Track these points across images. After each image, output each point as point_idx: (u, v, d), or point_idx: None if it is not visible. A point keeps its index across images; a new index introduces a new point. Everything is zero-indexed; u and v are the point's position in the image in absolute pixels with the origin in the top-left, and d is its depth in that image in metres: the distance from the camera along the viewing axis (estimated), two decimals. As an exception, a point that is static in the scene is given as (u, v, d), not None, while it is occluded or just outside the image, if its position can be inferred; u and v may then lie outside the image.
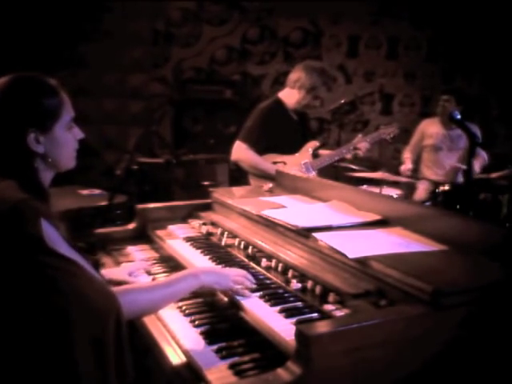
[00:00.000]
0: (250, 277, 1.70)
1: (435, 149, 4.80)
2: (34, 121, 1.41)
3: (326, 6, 6.14)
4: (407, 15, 6.29)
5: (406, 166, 4.73)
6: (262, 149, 3.39)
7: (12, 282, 1.27)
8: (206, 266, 1.85)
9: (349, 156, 3.61)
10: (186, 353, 1.48)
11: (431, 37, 6.35)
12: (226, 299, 1.68)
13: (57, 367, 1.26)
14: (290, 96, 3.50)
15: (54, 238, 1.31)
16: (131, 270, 2.02)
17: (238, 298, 1.62)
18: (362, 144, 3.56)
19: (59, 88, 1.49)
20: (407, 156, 4.89)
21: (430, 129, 4.84)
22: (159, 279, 1.95)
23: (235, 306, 1.61)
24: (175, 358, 1.48)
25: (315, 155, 3.57)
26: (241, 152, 3.40)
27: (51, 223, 1.32)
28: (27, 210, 1.29)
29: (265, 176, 3.23)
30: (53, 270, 1.26)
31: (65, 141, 1.49)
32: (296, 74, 3.48)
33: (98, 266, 1.79)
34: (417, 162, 4.95)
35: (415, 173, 4.85)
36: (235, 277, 1.66)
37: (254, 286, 1.67)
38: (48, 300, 1.26)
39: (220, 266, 1.89)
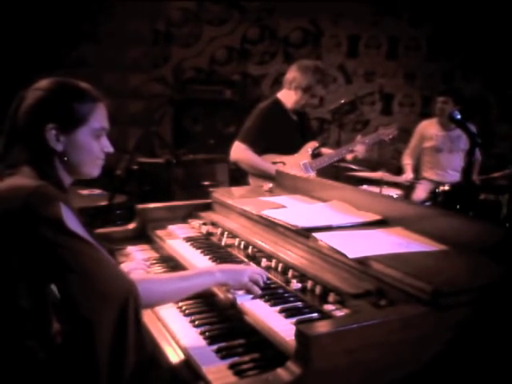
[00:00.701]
0: (265, 276, 1.70)
1: (436, 150, 4.79)
2: (57, 118, 1.47)
3: (325, 6, 6.14)
4: (407, 15, 6.30)
5: (408, 175, 4.71)
6: (261, 149, 3.38)
7: (30, 261, 1.30)
8: (225, 264, 1.81)
9: (349, 157, 3.62)
10: (185, 353, 1.48)
11: (431, 37, 6.35)
12: (225, 299, 1.68)
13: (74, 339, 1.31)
14: (287, 97, 3.50)
15: (73, 221, 1.36)
16: (130, 268, 2.02)
17: (238, 298, 1.62)
18: (358, 147, 3.55)
19: (97, 98, 1.56)
20: (407, 162, 4.87)
21: (429, 131, 4.83)
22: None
23: (235, 306, 1.61)
24: (175, 357, 1.49)
25: (314, 155, 3.57)
26: (240, 152, 3.40)
27: (70, 208, 1.37)
28: (48, 193, 1.34)
29: (264, 176, 3.23)
30: (71, 251, 1.30)
31: (87, 147, 1.53)
32: (291, 75, 3.48)
33: (113, 253, 1.83)
34: (417, 163, 4.94)
35: (416, 173, 4.85)
36: (252, 274, 1.66)
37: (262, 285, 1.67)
38: (62, 279, 1.31)
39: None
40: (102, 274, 1.32)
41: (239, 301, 1.59)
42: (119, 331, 1.31)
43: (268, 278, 1.75)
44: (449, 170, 4.78)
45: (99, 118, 1.55)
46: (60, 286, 1.33)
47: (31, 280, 1.32)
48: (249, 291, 1.63)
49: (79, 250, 1.32)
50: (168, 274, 1.83)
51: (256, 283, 1.65)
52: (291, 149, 3.48)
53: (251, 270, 1.69)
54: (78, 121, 1.50)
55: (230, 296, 1.64)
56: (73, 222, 1.35)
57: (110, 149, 1.60)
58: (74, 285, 1.30)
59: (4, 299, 1.33)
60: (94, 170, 1.59)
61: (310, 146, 3.55)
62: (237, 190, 2.76)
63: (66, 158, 1.50)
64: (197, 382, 1.35)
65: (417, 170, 4.94)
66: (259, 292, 1.62)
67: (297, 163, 3.44)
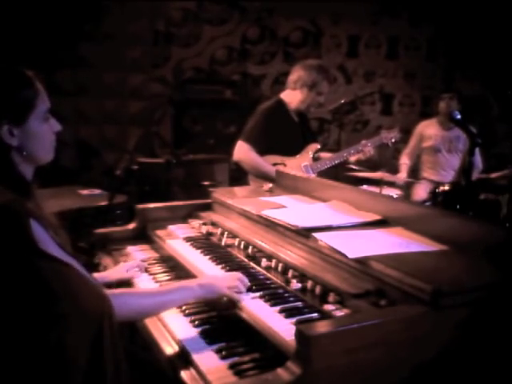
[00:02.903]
0: (246, 280, 1.69)
1: (434, 150, 4.80)
2: (7, 113, 1.36)
3: (326, 6, 6.14)
4: (407, 15, 6.30)
5: (402, 174, 4.73)
6: (262, 149, 3.38)
7: (4, 284, 1.24)
8: (205, 277, 1.79)
9: (353, 159, 3.61)
10: (185, 353, 1.48)
11: (431, 37, 6.35)
12: (225, 299, 1.68)
13: (52, 369, 1.25)
14: (292, 97, 3.50)
15: (44, 238, 1.28)
16: (129, 267, 2.02)
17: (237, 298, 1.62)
18: (365, 149, 3.55)
19: (34, 79, 1.43)
20: (404, 162, 4.87)
21: (428, 131, 4.84)
22: (161, 283, 1.97)
23: (235, 306, 1.61)
24: (175, 357, 1.48)
25: (315, 158, 3.57)
26: (243, 152, 3.39)
27: (40, 223, 1.30)
28: (15, 212, 1.25)
29: (264, 177, 3.22)
30: (45, 272, 1.25)
31: (41, 133, 1.43)
32: (295, 74, 3.48)
33: (91, 265, 1.79)
34: (416, 163, 4.94)
35: (413, 173, 4.85)
36: (230, 283, 1.64)
37: (249, 285, 1.67)
38: (42, 302, 1.25)
39: (220, 266, 1.90)
40: (75, 292, 1.28)
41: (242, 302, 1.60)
42: (96, 347, 1.29)
43: (268, 278, 1.76)
44: (447, 170, 4.79)
45: (43, 98, 1.44)
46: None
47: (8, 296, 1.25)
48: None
49: (53, 271, 1.26)
50: (148, 289, 1.82)
51: (237, 289, 1.64)
52: (292, 150, 3.48)
53: (230, 278, 1.66)
54: (28, 108, 1.39)
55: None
56: (45, 240, 1.28)
57: (58, 127, 1.50)
58: (45, 305, 1.25)
59: None
60: (49, 154, 1.49)
61: (312, 149, 3.55)
62: (237, 190, 2.76)
63: (25, 153, 1.39)
64: (197, 382, 1.35)
65: (416, 169, 4.94)
66: (241, 299, 1.61)
67: (298, 165, 3.44)
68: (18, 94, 1.38)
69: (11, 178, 1.37)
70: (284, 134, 3.43)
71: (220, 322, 1.64)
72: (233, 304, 1.62)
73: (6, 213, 1.24)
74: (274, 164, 3.34)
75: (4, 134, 1.36)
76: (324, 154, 3.68)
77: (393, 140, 3.71)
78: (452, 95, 4.63)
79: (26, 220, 1.25)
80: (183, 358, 1.47)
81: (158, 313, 1.63)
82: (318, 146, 3.61)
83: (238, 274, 1.71)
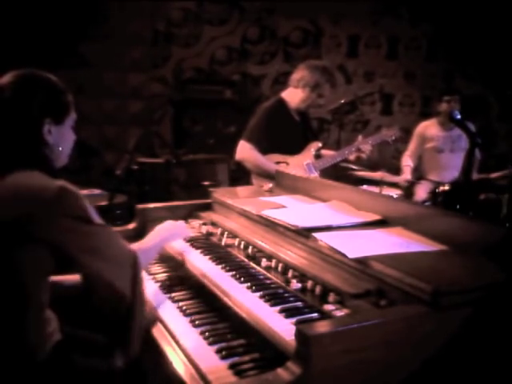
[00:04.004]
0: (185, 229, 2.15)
1: (437, 151, 4.78)
2: (52, 111, 1.52)
3: (325, 6, 6.14)
4: (407, 15, 6.30)
5: (406, 175, 4.70)
6: (264, 148, 3.39)
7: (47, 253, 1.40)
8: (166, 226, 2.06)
9: (352, 157, 3.61)
10: (185, 353, 1.48)
11: (431, 37, 6.34)
12: (225, 298, 1.68)
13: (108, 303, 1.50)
14: (293, 95, 3.50)
15: (92, 211, 1.50)
16: None
17: (236, 296, 1.62)
18: (365, 146, 3.55)
19: (68, 89, 1.61)
20: (408, 164, 4.83)
21: (430, 131, 4.82)
22: (161, 283, 2.03)
23: (235, 305, 1.61)
24: (175, 357, 1.48)
25: (317, 156, 3.57)
26: (245, 152, 3.40)
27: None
28: (73, 192, 1.45)
29: (268, 176, 3.23)
30: (100, 237, 1.50)
31: (69, 137, 1.62)
32: (299, 73, 3.49)
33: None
34: (418, 164, 4.92)
35: (416, 174, 4.84)
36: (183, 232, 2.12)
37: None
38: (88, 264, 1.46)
39: (220, 266, 1.90)
40: (118, 247, 1.55)
41: (239, 300, 1.60)
42: (136, 287, 1.53)
43: (268, 278, 1.76)
44: (450, 170, 4.76)
45: (74, 107, 1.62)
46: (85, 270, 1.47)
47: (39, 272, 1.41)
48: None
49: (105, 234, 1.53)
50: (144, 244, 1.88)
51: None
52: (294, 149, 3.49)
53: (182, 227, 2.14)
54: (67, 112, 1.58)
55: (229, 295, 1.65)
56: (93, 213, 1.50)
57: (74, 136, 1.67)
58: (101, 264, 1.46)
59: (10, 291, 1.38)
60: (67, 158, 1.66)
61: (314, 147, 3.55)
62: (237, 190, 2.76)
63: (60, 148, 1.57)
64: (197, 382, 1.35)
65: (418, 170, 4.92)
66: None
67: (300, 163, 3.44)
68: (63, 96, 1.57)
69: (51, 171, 1.52)
70: (285, 133, 3.44)
71: (220, 322, 1.64)
72: (232, 304, 1.62)
73: (65, 191, 1.43)
74: (277, 163, 3.35)
75: (45, 131, 1.51)
76: (326, 152, 3.68)
77: (393, 138, 3.70)
78: (454, 97, 4.60)
79: (80, 197, 1.47)
80: (183, 358, 1.47)
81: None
82: (320, 144, 3.61)
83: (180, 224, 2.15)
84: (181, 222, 2.22)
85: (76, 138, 1.67)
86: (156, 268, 2.13)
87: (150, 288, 1.93)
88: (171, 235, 2.03)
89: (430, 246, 1.66)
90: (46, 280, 1.46)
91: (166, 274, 2.08)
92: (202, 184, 4.32)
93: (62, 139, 1.57)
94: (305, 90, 3.45)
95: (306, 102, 3.49)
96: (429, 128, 4.84)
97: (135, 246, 1.72)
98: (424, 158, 4.89)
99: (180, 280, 2.02)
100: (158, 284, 2.00)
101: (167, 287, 1.97)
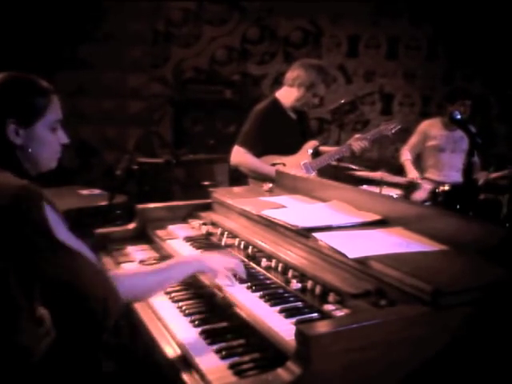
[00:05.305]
0: (242, 268, 1.76)
1: (438, 150, 4.78)
2: (15, 113, 1.48)
3: (326, 6, 6.13)
4: (407, 15, 6.29)
5: (412, 172, 4.65)
6: (260, 151, 3.37)
7: (15, 258, 1.32)
8: (204, 253, 1.91)
9: (347, 154, 3.57)
10: (185, 352, 1.48)
11: (431, 36, 6.34)
12: (223, 296, 1.68)
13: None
14: (288, 94, 3.48)
15: (57, 224, 1.37)
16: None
17: (236, 296, 1.62)
18: (356, 143, 3.50)
19: (51, 90, 1.56)
20: (407, 158, 4.80)
21: (433, 130, 4.81)
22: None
23: (235, 305, 1.61)
24: (175, 357, 1.48)
25: (314, 154, 3.55)
26: (240, 157, 3.38)
27: (53, 208, 1.39)
28: (33, 193, 1.35)
29: (265, 179, 3.21)
30: (52, 260, 1.34)
31: (45, 140, 1.54)
32: (294, 72, 3.46)
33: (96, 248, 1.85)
34: (417, 163, 4.91)
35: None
36: (226, 264, 1.74)
37: (244, 278, 1.73)
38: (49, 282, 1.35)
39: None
40: (81, 281, 1.36)
41: (239, 300, 1.60)
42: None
43: (268, 278, 1.76)
44: (450, 170, 4.76)
45: (55, 109, 1.56)
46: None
47: (18, 276, 1.34)
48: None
49: (61, 258, 1.35)
50: (149, 268, 1.81)
51: (233, 271, 1.74)
52: (291, 148, 3.47)
53: (227, 260, 1.77)
54: (37, 114, 1.52)
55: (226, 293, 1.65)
56: (57, 226, 1.37)
57: (66, 140, 1.62)
58: (55, 290, 1.35)
59: None
60: (52, 162, 1.60)
61: (310, 146, 3.53)
62: (237, 190, 2.76)
63: (29, 150, 1.51)
64: (197, 382, 1.35)
65: (417, 168, 4.91)
66: (235, 284, 1.70)
67: (297, 163, 3.42)
68: (30, 99, 1.51)
69: (21, 171, 1.48)
70: (281, 134, 3.42)
71: (220, 322, 1.63)
72: (233, 303, 1.62)
73: (24, 192, 1.34)
74: (273, 164, 3.33)
75: (9, 132, 1.47)
76: (324, 148, 3.66)
77: (393, 131, 3.64)
78: (467, 102, 4.53)
79: (41, 201, 1.34)
80: (183, 358, 1.47)
81: (162, 290, 1.72)
82: (317, 143, 3.59)
83: (236, 260, 1.78)
84: (227, 258, 1.83)
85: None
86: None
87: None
88: (206, 267, 1.74)
89: (430, 245, 1.66)
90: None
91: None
92: (201, 184, 4.32)
93: (34, 142, 1.51)
94: (300, 89, 3.43)
95: (301, 101, 3.47)
96: (432, 126, 4.83)
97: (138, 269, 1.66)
98: (424, 156, 4.89)
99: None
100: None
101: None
